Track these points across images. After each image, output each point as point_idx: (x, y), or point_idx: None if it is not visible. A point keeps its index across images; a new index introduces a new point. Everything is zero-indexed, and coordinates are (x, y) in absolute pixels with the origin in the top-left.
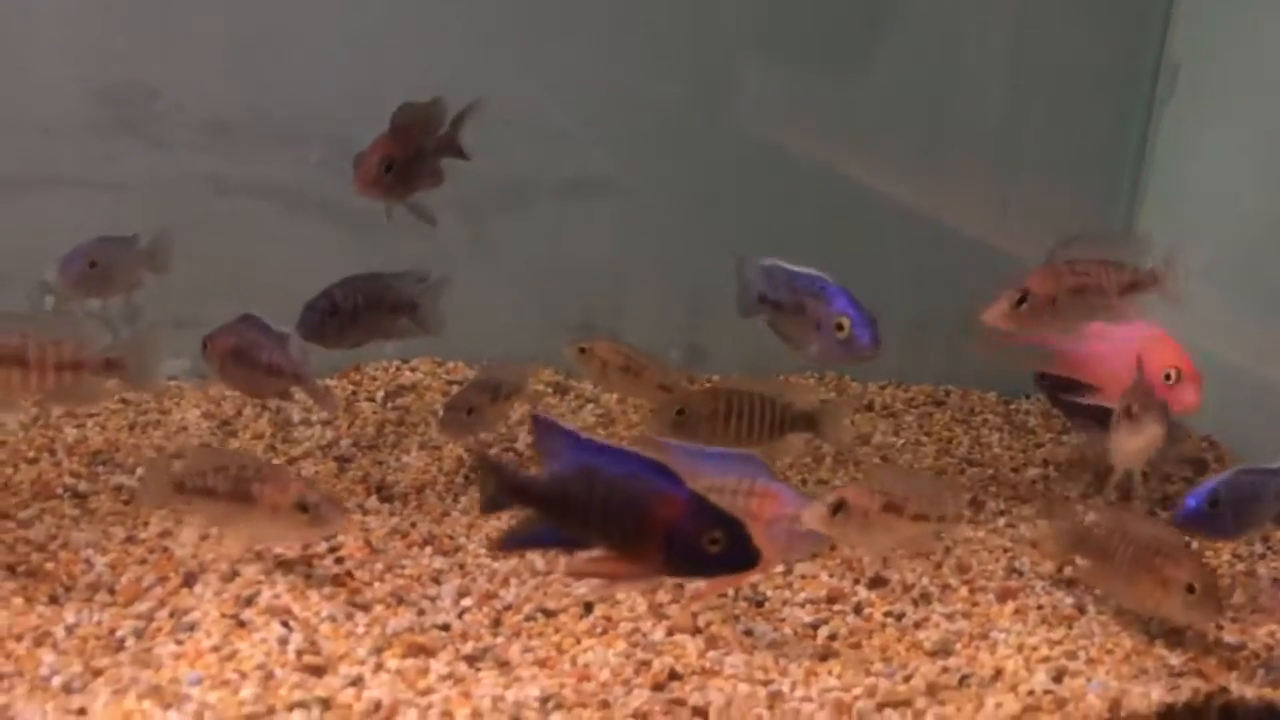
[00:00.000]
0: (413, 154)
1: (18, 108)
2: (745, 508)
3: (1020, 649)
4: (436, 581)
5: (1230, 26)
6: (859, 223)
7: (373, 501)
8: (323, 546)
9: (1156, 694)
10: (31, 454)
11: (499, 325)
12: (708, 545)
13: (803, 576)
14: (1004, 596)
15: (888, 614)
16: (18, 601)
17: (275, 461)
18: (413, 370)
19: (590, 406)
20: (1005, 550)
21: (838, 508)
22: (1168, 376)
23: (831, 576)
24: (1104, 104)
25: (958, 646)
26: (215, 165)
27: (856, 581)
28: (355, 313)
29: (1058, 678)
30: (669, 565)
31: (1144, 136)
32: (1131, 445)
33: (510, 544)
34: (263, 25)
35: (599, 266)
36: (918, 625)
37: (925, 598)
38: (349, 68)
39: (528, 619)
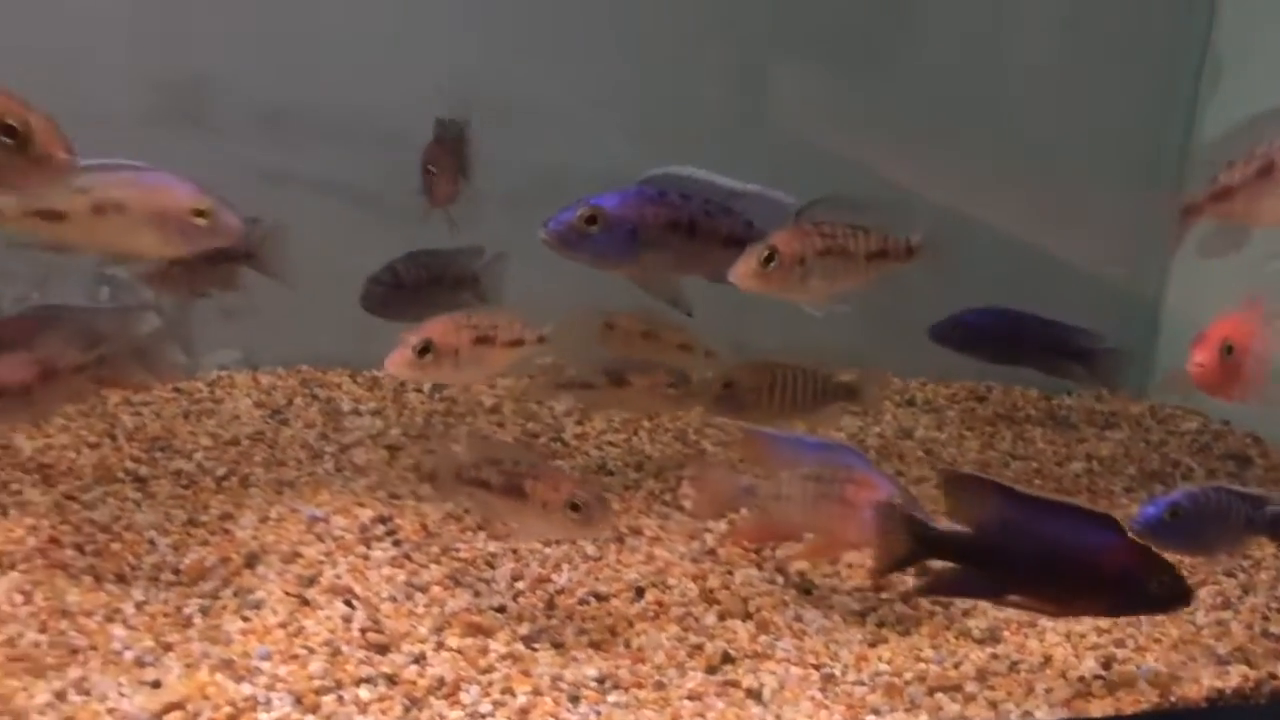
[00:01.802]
0: None
1: (78, 98)
2: (843, 495)
3: (1068, 637)
4: (490, 565)
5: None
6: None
7: (425, 488)
8: (380, 529)
9: (1207, 679)
10: (92, 439)
11: (540, 318)
12: (1155, 587)
13: (849, 565)
14: None
15: (935, 603)
16: (87, 580)
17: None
18: None
19: None
20: None
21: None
22: (1228, 350)
23: None
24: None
25: (1005, 634)
26: (266, 155)
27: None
28: (418, 286)
29: (1106, 664)
30: (1113, 607)
31: (1189, 128)
32: None
33: (936, 591)
34: (310, 20)
35: None
36: (965, 614)
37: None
38: (392, 62)
39: (581, 602)
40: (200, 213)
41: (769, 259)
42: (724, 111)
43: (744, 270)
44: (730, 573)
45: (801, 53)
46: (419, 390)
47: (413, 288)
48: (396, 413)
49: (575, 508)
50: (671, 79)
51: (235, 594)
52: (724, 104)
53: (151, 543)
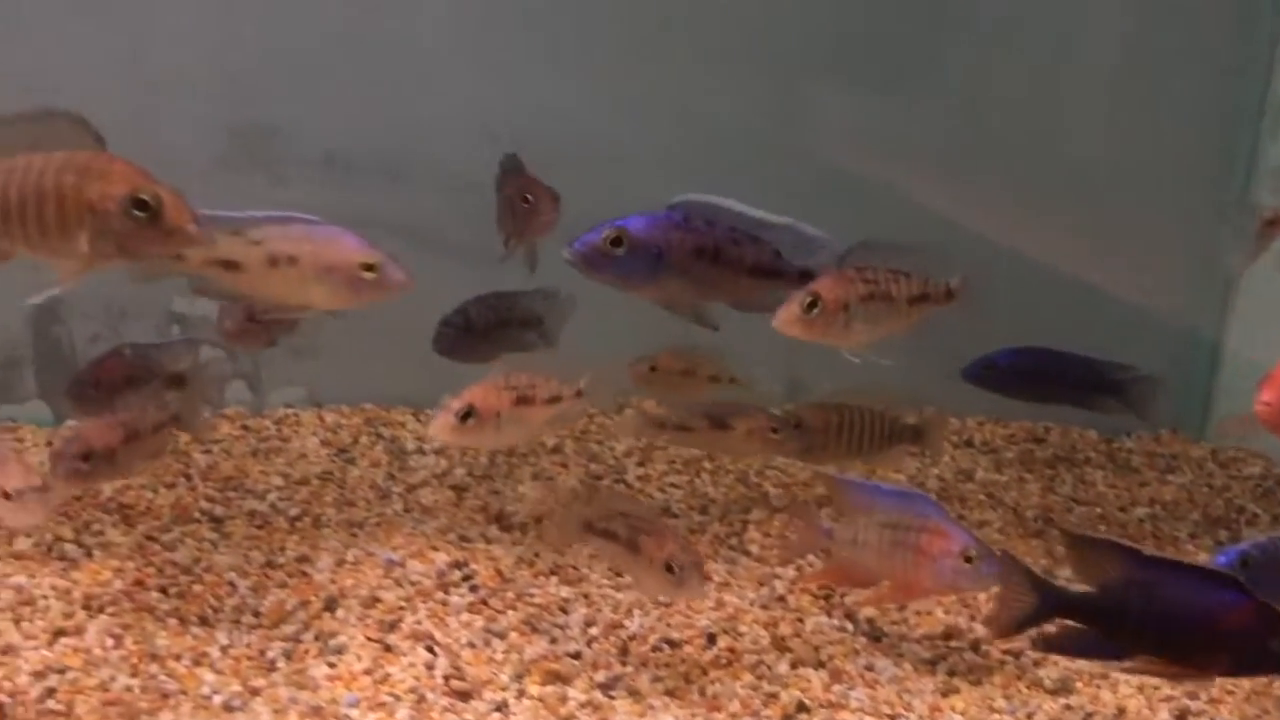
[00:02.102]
0: None
1: (159, 145)
2: (917, 543)
3: (1141, 689)
4: (564, 610)
5: None
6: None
7: (494, 530)
8: (457, 575)
9: None
10: (168, 479)
11: (603, 357)
12: (1279, 647)
13: (918, 612)
14: None
15: (1006, 652)
16: (173, 622)
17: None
18: None
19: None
20: None
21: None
22: None
23: (947, 613)
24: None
25: (1078, 685)
26: (330, 198)
27: (973, 618)
28: (488, 328)
29: (1181, 716)
30: (1236, 667)
31: (1252, 158)
32: None
33: (1054, 650)
34: (373, 68)
35: None
36: (1036, 664)
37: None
38: (454, 106)
39: (654, 649)
40: (369, 267)
41: (812, 305)
42: (770, 140)
43: (787, 317)
44: (801, 620)
45: (846, 77)
46: None
47: (482, 330)
48: (460, 452)
49: (670, 569)
50: (719, 114)
51: (316, 638)
52: (770, 134)
53: (231, 584)
